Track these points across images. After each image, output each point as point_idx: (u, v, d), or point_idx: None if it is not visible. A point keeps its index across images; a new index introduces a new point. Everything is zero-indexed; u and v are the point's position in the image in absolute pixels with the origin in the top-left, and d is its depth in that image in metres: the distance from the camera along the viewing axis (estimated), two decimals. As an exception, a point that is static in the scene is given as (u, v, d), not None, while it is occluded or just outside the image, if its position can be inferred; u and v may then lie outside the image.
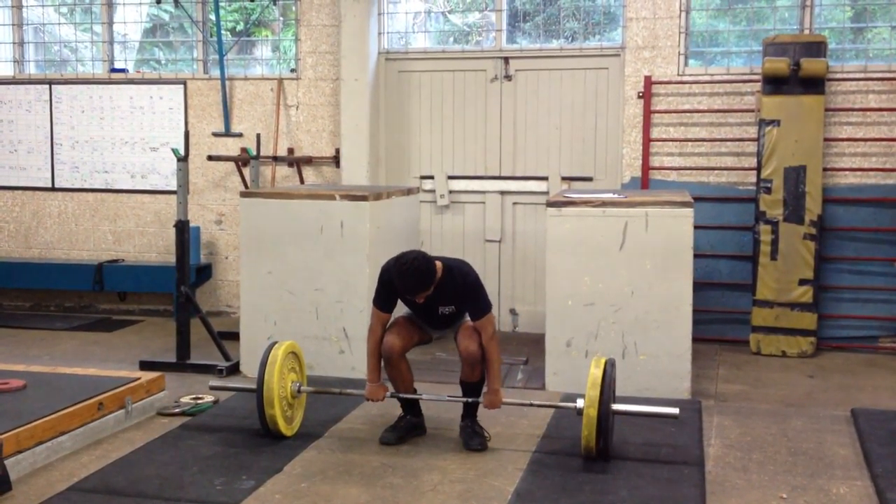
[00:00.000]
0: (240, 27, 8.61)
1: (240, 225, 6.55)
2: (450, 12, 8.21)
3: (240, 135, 8.22)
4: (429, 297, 4.69)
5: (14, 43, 8.81)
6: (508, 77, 7.72)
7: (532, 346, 6.83)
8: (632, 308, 5.73)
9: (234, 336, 6.52)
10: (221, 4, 8.22)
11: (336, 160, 7.98)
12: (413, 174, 7.97)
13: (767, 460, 4.63)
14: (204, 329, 6.46)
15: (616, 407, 4.57)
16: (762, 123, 6.85)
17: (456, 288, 4.70)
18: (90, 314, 8.52)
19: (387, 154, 8.01)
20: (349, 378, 5.82)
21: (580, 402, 4.50)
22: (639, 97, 7.34)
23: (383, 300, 4.82)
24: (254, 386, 4.84)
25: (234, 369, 6.31)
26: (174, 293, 6.70)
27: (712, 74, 7.33)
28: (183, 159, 6.40)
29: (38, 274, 8.45)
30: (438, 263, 4.66)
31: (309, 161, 8.07)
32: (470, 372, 4.77)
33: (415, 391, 4.95)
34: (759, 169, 6.91)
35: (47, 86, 8.64)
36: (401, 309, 4.94)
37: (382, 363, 4.85)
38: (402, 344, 4.78)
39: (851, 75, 7.03)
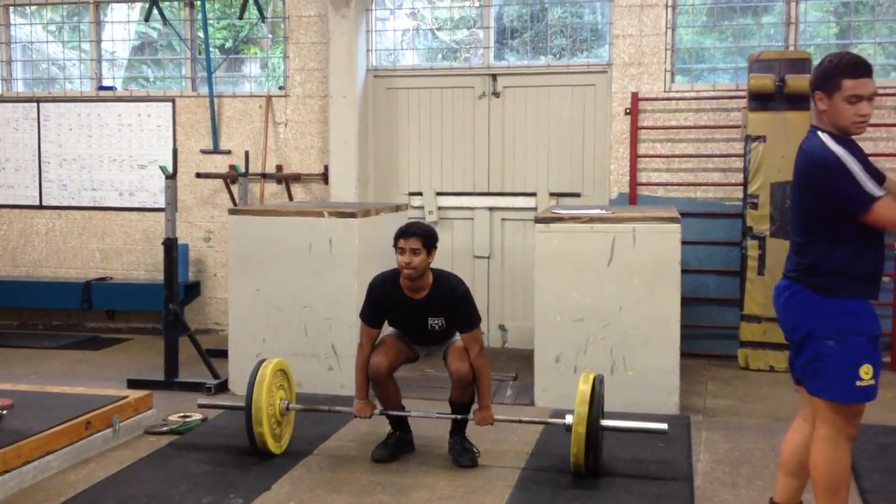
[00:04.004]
0: (228, 44, 8.63)
1: (228, 242, 6.54)
2: (438, 29, 8.25)
3: (228, 152, 8.23)
4: (419, 305, 4.71)
5: (1, 61, 8.81)
6: (496, 94, 7.75)
7: (521, 362, 6.83)
8: (620, 323, 5.74)
9: (223, 354, 6.50)
10: (210, 22, 8.24)
11: (325, 177, 8.00)
12: (402, 190, 7.98)
13: (756, 475, 4.64)
14: (192, 347, 6.44)
15: (605, 423, 4.57)
16: (748, 139, 6.89)
17: (445, 298, 4.72)
18: (78, 332, 8.48)
19: (375, 171, 8.03)
20: (338, 395, 5.81)
21: (569, 419, 4.50)
22: (626, 113, 7.38)
23: (371, 315, 4.83)
24: (242, 404, 4.83)
25: (223, 387, 6.28)
26: (162, 311, 6.68)
27: (698, 91, 7.38)
28: (171, 177, 6.39)
29: (26, 292, 8.42)
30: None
31: (297, 178, 8.08)
32: (461, 393, 4.76)
33: (403, 408, 4.94)
34: (745, 184, 6.94)
35: (35, 104, 8.63)
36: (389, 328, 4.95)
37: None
38: (389, 364, 4.78)
39: (836, 91, 7.08)
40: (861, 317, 3.40)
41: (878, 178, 3.39)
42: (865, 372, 3.36)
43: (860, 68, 3.39)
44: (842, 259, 3.41)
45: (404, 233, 4.67)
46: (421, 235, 4.64)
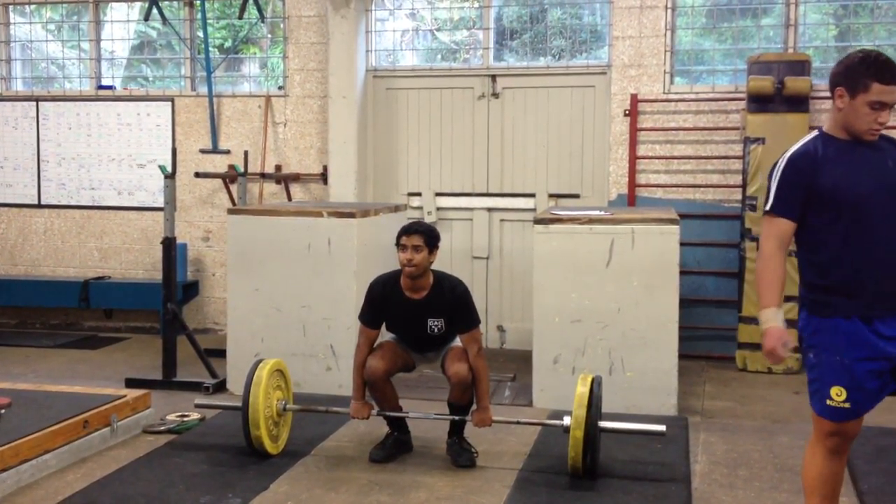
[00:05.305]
0: (228, 44, 8.63)
1: (227, 242, 6.54)
2: (437, 30, 8.25)
3: (227, 152, 8.22)
4: (419, 305, 4.72)
5: (1, 60, 8.80)
6: (496, 95, 7.76)
7: (519, 363, 6.83)
8: (618, 325, 5.74)
9: (221, 353, 6.49)
10: (209, 21, 8.24)
11: (324, 177, 7.99)
12: (401, 191, 7.98)
13: (754, 477, 4.64)
14: (190, 346, 6.44)
15: (603, 425, 4.57)
16: (747, 141, 6.89)
17: (445, 298, 4.72)
18: (76, 331, 8.48)
19: (374, 171, 8.03)
20: (336, 395, 5.79)
21: (567, 420, 4.50)
22: (625, 115, 7.39)
23: (370, 316, 4.82)
24: (240, 404, 4.82)
25: (221, 387, 6.28)
26: (161, 310, 6.68)
27: (698, 93, 7.38)
28: (170, 176, 6.39)
29: (24, 291, 8.41)
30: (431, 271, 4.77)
31: (296, 178, 8.08)
32: (460, 395, 4.76)
33: (400, 409, 4.94)
34: (744, 186, 6.94)
35: (34, 103, 8.63)
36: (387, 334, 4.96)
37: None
38: (386, 368, 4.77)
39: (835, 94, 7.08)
40: (835, 337, 3.24)
41: (794, 207, 3.26)
42: (837, 393, 3.25)
43: (893, 73, 3.15)
44: (813, 267, 3.30)
45: (407, 230, 4.68)
46: (424, 233, 4.66)
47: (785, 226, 3.29)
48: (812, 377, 3.36)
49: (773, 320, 3.26)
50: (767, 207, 3.32)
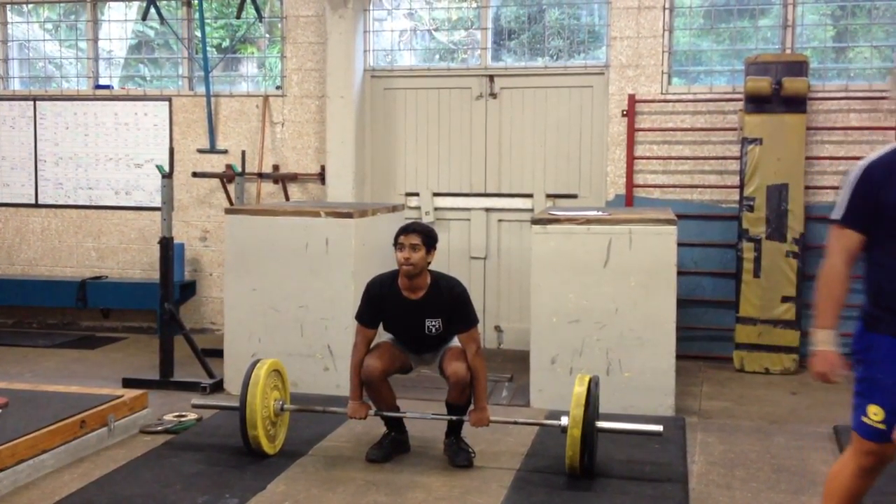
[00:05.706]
0: (225, 44, 8.62)
1: (224, 242, 6.54)
2: (436, 30, 8.25)
3: (225, 151, 8.22)
4: (417, 305, 4.72)
5: (-2, 59, 8.81)
6: (493, 95, 7.76)
7: (517, 363, 6.83)
8: (616, 325, 5.74)
9: (219, 353, 6.49)
10: (207, 21, 8.24)
11: (321, 177, 7.99)
12: (398, 191, 7.98)
13: (751, 477, 4.65)
14: (188, 346, 6.43)
15: (600, 425, 4.57)
16: (745, 142, 6.90)
17: (443, 298, 4.73)
18: (73, 331, 8.47)
19: (372, 171, 8.03)
20: (334, 396, 5.79)
21: (565, 420, 4.50)
22: (623, 115, 7.39)
23: (368, 316, 4.82)
24: (237, 404, 4.82)
25: (218, 387, 6.28)
26: (158, 310, 6.68)
27: (695, 93, 7.38)
28: (168, 176, 6.39)
29: (21, 290, 8.40)
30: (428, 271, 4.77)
31: (294, 178, 8.07)
32: (458, 395, 4.76)
33: (397, 408, 4.94)
34: (741, 187, 6.95)
35: (32, 102, 8.62)
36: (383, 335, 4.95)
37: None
38: (383, 367, 4.77)
39: (833, 94, 7.10)
40: (884, 355, 3.17)
41: (864, 219, 3.15)
42: (874, 413, 3.16)
43: None
44: (870, 282, 3.24)
45: (405, 229, 4.69)
46: (421, 232, 4.67)
47: (854, 239, 3.21)
48: (856, 390, 3.27)
49: (828, 343, 3.22)
50: (838, 217, 3.21)
